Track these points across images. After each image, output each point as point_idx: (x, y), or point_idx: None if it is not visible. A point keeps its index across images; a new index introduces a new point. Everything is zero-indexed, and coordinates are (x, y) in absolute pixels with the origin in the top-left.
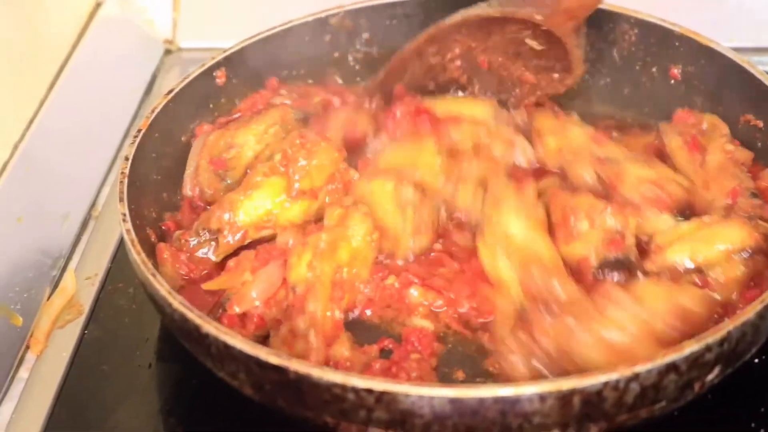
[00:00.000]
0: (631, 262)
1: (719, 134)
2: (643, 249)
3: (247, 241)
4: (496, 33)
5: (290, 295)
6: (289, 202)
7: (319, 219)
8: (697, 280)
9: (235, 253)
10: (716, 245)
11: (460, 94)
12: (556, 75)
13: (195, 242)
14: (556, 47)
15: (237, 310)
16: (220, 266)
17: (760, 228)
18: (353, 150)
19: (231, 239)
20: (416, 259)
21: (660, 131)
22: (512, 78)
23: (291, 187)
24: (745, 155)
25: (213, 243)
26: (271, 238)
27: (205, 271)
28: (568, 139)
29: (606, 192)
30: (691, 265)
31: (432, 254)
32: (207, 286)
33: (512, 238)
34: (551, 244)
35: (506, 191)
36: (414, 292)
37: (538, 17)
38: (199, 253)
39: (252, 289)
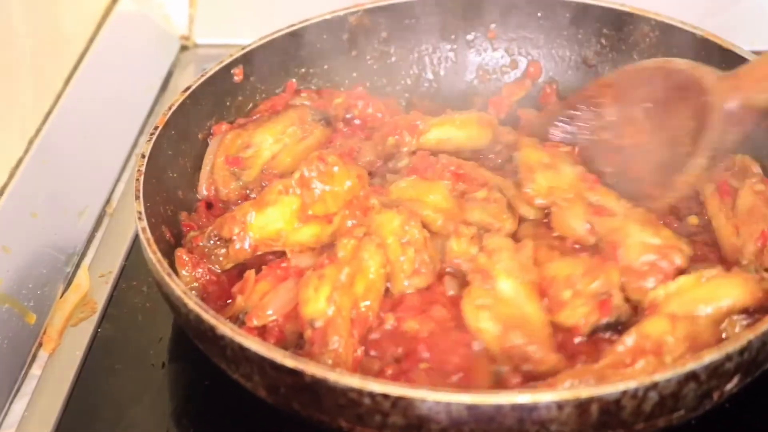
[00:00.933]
0: (622, 322)
1: (750, 174)
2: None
3: (258, 253)
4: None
5: (308, 331)
6: (300, 224)
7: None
8: None
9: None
10: (715, 303)
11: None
12: None
13: (207, 247)
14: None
15: (255, 323)
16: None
17: (764, 284)
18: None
19: (241, 248)
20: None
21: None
22: None
23: (304, 210)
24: None
25: (224, 250)
26: (281, 252)
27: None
28: (560, 178)
29: (596, 244)
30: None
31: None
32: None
33: (500, 296)
34: (539, 308)
35: (502, 247)
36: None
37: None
38: (211, 258)
39: (270, 304)
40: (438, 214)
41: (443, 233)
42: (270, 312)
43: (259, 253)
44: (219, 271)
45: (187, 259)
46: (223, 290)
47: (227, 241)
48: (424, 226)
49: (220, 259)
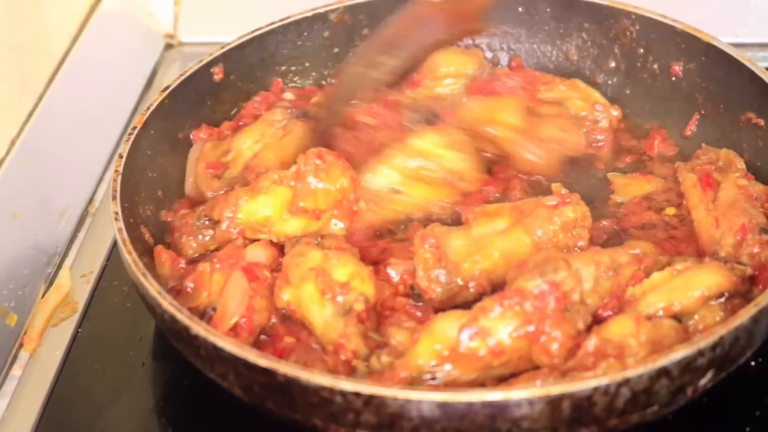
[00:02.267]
0: None
1: (734, 169)
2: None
3: (240, 239)
4: None
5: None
6: (289, 215)
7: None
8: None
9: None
10: (691, 292)
11: None
12: None
13: (195, 226)
14: None
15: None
16: None
17: (736, 271)
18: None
19: (227, 230)
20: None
21: (676, 169)
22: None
23: (295, 202)
24: (759, 189)
25: (211, 231)
26: None
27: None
28: None
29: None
30: (662, 313)
31: None
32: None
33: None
34: None
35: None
36: None
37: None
38: (198, 237)
39: (228, 307)
40: (510, 132)
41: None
42: (233, 320)
43: (239, 242)
44: (195, 255)
45: (166, 257)
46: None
47: (215, 223)
48: (496, 144)
49: (206, 239)
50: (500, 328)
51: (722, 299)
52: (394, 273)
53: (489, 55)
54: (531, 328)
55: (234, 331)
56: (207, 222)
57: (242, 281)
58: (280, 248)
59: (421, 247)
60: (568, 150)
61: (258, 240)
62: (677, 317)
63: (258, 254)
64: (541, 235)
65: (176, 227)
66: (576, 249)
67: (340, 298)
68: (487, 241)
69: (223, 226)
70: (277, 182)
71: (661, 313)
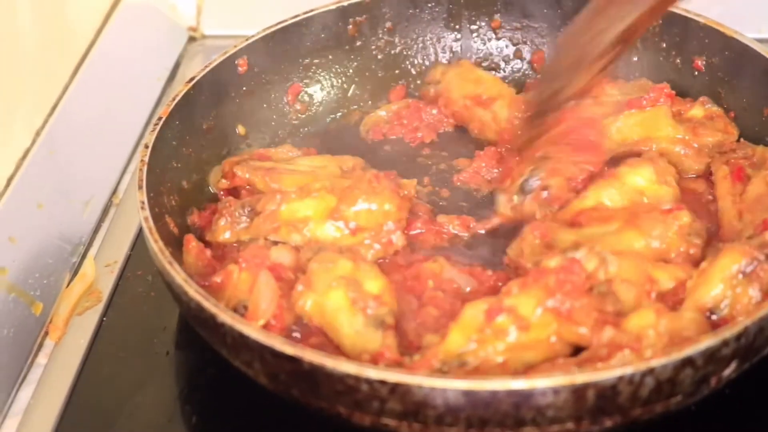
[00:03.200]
0: None
1: (767, 166)
2: None
3: (272, 237)
4: None
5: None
6: (328, 222)
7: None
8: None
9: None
10: (715, 280)
11: None
12: None
13: (237, 212)
14: None
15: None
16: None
17: (752, 244)
18: None
19: (265, 224)
20: None
21: (710, 159)
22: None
23: (338, 211)
24: None
25: (248, 221)
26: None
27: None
28: None
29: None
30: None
31: None
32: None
33: None
34: None
35: None
36: None
37: None
38: (235, 224)
39: (259, 306)
40: (676, 145)
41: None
42: (263, 321)
43: (273, 238)
44: (226, 240)
45: (194, 245)
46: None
47: (256, 214)
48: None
49: (241, 227)
50: (523, 303)
51: (748, 270)
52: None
53: (512, 49)
54: (553, 302)
55: (265, 329)
56: (249, 211)
57: (272, 281)
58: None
59: (530, 235)
60: (726, 148)
61: (283, 243)
62: (713, 310)
63: (282, 256)
64: (657, 235)
65: (218, 209)
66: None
67: (370, 311)
68: (596, 238)
69: (262, 219)
70: (328, 190)
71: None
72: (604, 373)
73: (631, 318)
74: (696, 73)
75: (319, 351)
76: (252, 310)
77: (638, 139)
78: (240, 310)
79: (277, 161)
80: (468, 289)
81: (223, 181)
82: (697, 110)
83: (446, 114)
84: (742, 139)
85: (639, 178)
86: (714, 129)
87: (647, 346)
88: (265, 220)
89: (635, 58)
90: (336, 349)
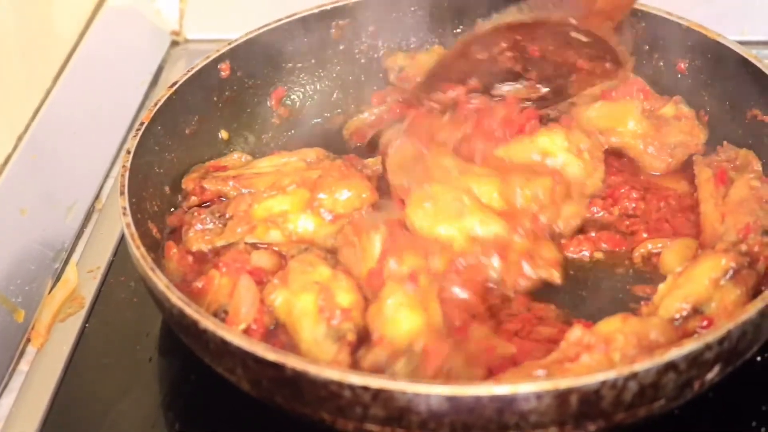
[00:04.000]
0: None
1: (750, 170)
2: None
3: (247, 239)
4: (539, 28)
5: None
6: (305, 213)
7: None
8: (702, 323)
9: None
10: (699, 281)
11: (517, 85)
12: (608, 64)
13: (206, 220)
14: (602, 41)
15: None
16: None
17: (734, 250)
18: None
19: (238, 229)
20: None
21: (694, 162)
22: (567, 64)
23: (313, 200)
24: None
25: (221, 226)
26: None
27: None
28: None
29: None
30: (686, 312)
31: None
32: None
33: None
34: None
35: None
36: None
37: (573, 21)
38: (206, 231)
39: (240, 311)
40: (637, 140)
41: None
42: (244, 325)
43: (249, 239)
44: (205, 249)
45: (175, 251)
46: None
47: (227, 219)
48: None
49: (213, 235)
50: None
51: (729, 276)
52: None
53: None
54: None
55: (246, 334)
56: (219, 216)
57: (252, 285)
58: (283, 257)
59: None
60: (692, 150)
61: (263, 245)
62: (697, 310)
63: (263, 260)
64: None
65: (186, 221)
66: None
67: (335, 322)
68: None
69: (236, 221)
70: (299, 183)
71: (684, 313)
72: (587, 378)
73: (598, 324)
74: (679, 75)
75: (301, 357)
76: (233, 314)
77: (603, 130)
78: (220, 314)
79: (234, 168)
80: None
81: (194, 198)
82: (668, 109)
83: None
84: (725, 142)
85: (549, 141)
86: (679, 129)
87: (615, 349)
88: (240, 222)
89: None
90: (293, 349)
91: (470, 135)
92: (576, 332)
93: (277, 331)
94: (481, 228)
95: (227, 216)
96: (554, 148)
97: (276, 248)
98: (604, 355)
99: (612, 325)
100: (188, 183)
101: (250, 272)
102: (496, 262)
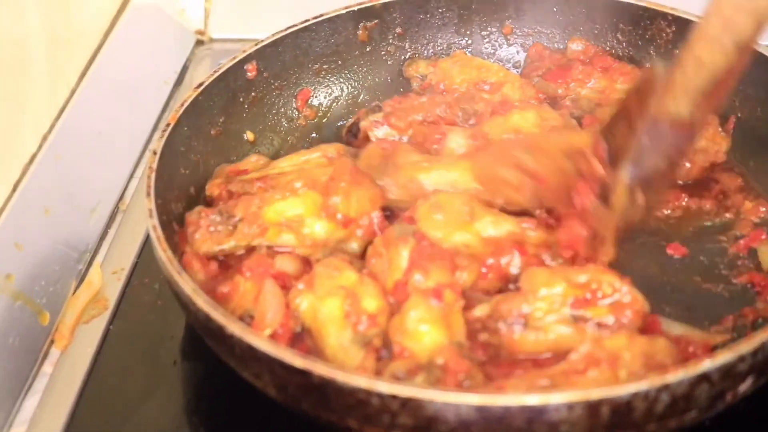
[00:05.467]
0: None
1: None
2: None
3: (257, 242)
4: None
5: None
6: (319, 217)
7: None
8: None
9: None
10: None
11: None
12: None
13: (212, 221)
14: None
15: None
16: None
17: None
18: None
19: (248, 231)
20: None
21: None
22: None
23: (325, 204)
24: None
25: (230, 228)
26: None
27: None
28: None
29: None
30: None
31: None
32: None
33: None
34: None
35: None
36: None
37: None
38: (212, 233)
39: (265, 317)
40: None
41: None
42: (269, 331)
43: (260, 242)
44: (215, 249)
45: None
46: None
47: (236, 221)
48: None
49: (220, 236)
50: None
51: None
52: None
53: (522, 55)
54: None
55: (272, 338)
56: (227, 219)
57: (277, 290)
58: (306, 262)
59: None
60: (712, 158)
61: (281, 249)
62: None
63: (287, 264)
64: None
65: (192, 221)
66: None
67: (361, 327)
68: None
69: (246, 224)
70: (310, 186)
71: None
72: (619, 389)
73: (605, 341)
74: None
75: (329, 364)
76: (258, 319)
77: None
78: (246, 319)
79: (255, 170)
80: None
81: (221, 204)
82: None
83: (443, 102)
84: None
85: (521, 118)
86: (700, 136)
87: (622, 366)
88: (250, 224)
89: (648, 66)
90: (319, 354)
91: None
92: (586, 346)
93: (302, 336)
94: (494, 229)
95: (237, 218)
96: (526, 125)
97: (299, 252)
98: (611, 371)
99: (617, 342)
100: (213, 188)
101: (274, 276)
102: (516, 259)
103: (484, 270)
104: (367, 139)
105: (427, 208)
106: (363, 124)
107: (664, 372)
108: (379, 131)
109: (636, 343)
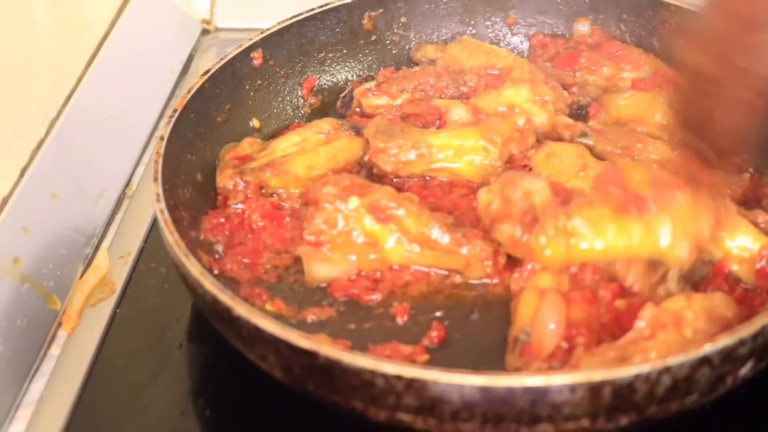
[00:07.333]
0: None
1: None
2: None
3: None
4: None
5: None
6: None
7: None
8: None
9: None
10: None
11: None
12: None
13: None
14: None
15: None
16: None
17: None
18: None
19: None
20: None
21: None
22: None
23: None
24: None
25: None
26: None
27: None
28: None
29: None
30: None
31: None
32: None
33: None
34: None
35: None
36: None
37: None
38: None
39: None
40: (663, 132)
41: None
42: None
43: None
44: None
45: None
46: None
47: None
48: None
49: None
50: None
51: None
52: None
53: (526, 45)
54: None
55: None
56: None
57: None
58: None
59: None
60: None
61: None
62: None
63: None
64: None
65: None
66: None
67: None
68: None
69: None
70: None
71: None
72: (621, 371)
73: (667, 302)
74: None
75: (334, 345)
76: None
77: (630, 119)
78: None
79: (254, 153)
80: None
81: (240, 194)
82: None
83: (434, 73)
84: None
85: (514, 93)
86: None
87: (686, 325)
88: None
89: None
90: None
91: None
92: (649, 310)
93: None
94: None
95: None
96: (519, 99)
97: None
98: (677, 332)
99: (676, 303)
100: (226, 181)
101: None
102: None
103: None
104: (360, 108)
105: (545, 155)
106: (356, 91)
107: (728, 328)
108: (371, 99)
109: (695, 301)
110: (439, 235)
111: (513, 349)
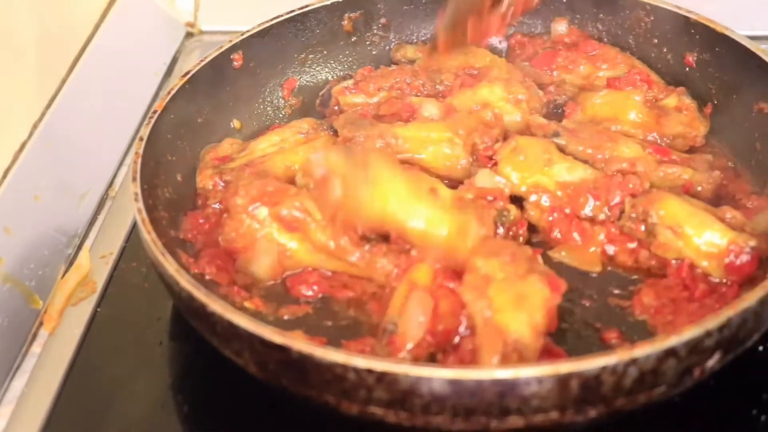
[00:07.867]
0: None
1: None
2: None
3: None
4: None
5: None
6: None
7: None
8: None
9: None
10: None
11: None
12: None
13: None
14: None
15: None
16: None
17: None
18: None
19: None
20: None
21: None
22: None
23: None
24: None
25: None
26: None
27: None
28: None
29: None
30: None
31: None
32: None
33: None
34: None
35: None
36: None
37: None
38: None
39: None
40: (637, 130)
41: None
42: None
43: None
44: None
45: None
46: None
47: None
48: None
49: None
50: None
51: None
52: None
53: (504, 44)
54: None
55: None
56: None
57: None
58: None
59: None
60: (690, 142)
61: None
62: None
63: None
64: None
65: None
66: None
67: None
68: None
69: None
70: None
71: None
72: (588, 363)
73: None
74: (687, 68)
75: (306, 340)
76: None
77: (605, 118)
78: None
79: (234, 153)
80: None
81: (219, 193)
82: (671, 100)
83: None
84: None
85: (490, 92)
86: (678, 121)
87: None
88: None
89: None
90: None
91: None
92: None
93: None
94: (568, 174)
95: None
96: (494, 98)
97: None
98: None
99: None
100: (205, 180)
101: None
102: (590, 201)
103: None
104: (338, 106)
105: (511, 149)
106: (334, 89)
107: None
108: (349, 97)
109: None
110: (346, 248)
111: (381, 339)
